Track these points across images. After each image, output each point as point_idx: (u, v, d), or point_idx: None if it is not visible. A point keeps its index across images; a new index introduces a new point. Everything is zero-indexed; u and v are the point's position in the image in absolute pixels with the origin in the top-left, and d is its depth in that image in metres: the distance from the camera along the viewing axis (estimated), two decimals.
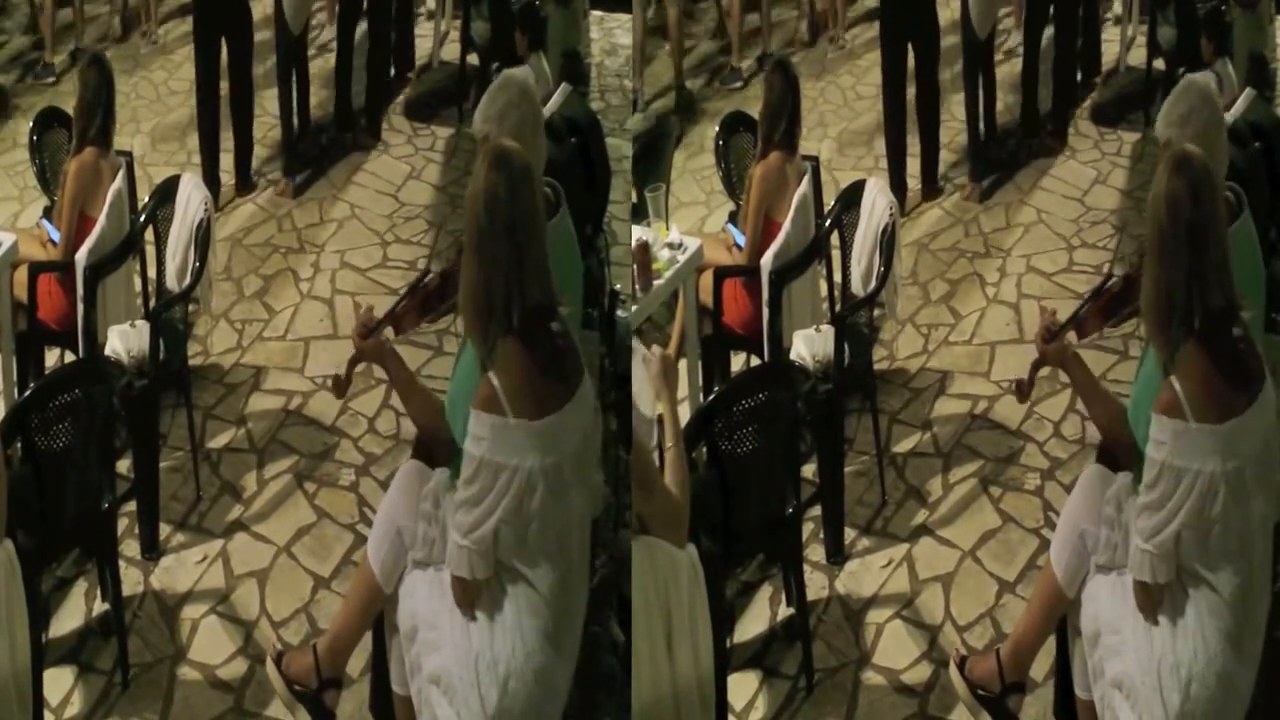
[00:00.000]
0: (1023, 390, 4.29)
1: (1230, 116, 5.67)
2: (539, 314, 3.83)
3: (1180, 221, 3.73)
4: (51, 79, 7.26)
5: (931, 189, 6.62)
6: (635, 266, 5.19)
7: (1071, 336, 4.20)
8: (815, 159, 5.78)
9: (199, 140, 6.63)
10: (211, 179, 6.52)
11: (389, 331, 4.18)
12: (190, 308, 5.55)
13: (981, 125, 6.71)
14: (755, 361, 5.41)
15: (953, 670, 4.20)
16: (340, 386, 4.23)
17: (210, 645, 4.68)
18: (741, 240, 5.50)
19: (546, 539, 3.86)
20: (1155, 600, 3.84)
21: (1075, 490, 4.08)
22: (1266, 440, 3.83)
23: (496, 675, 3.86)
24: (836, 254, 5.58)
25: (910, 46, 6.57)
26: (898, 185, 6.53)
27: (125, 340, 5.12)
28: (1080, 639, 4.01)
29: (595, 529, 4.28)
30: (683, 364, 5.43)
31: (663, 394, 4.18)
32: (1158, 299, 3.78)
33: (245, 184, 6.66)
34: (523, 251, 3.79)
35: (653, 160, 5.86)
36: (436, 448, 4.06)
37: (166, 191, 5.48)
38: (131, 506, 4.99)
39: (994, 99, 6.76)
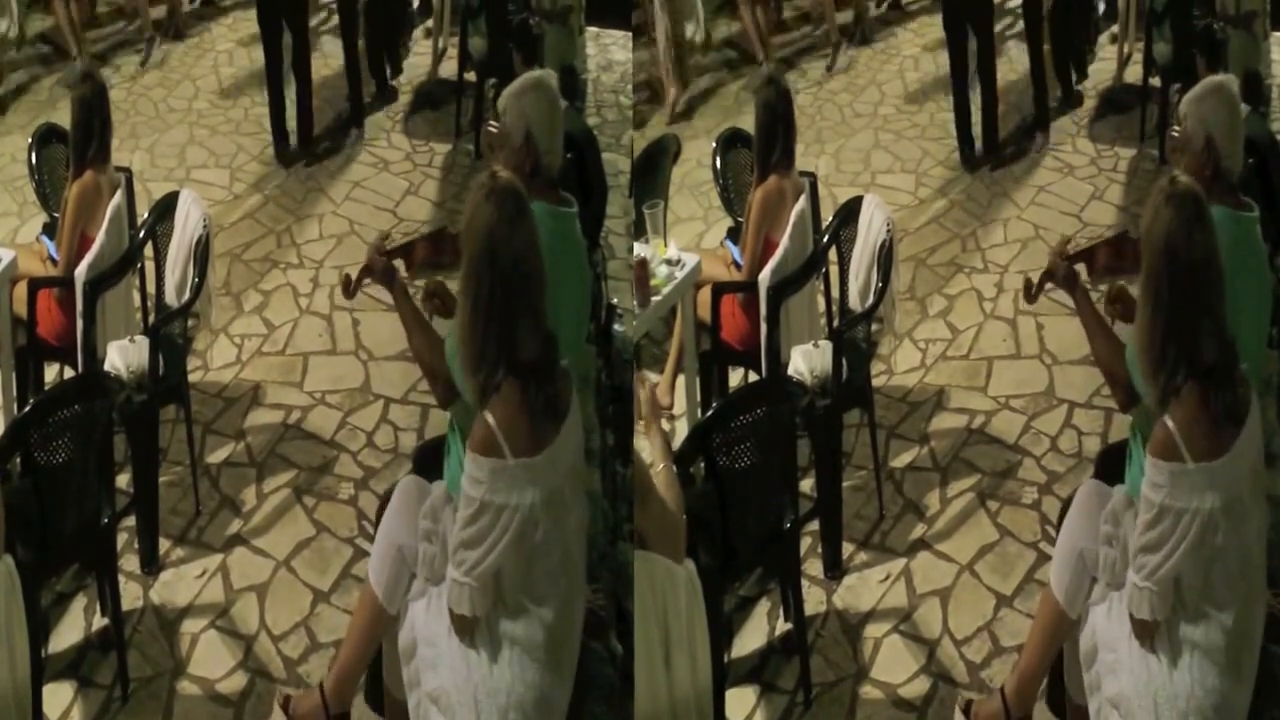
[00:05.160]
0: (1029, 292, 4.23)
1: None
2: (538, 358, 3.74)
3: (1179, 262, 3.60)
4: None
5: (992, 150, 7.03)
6: (634, 282, 5.20)
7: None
8: (813, 175, 5.79)
9: (269, 108, 7.04)
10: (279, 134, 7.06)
11: (401, 265, 4.15)
12: (189, 323, 5.56)
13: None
14: (753, 377, 5.42)
15: (958, 717, 4.18)
16: (349, 289, 4.20)
17: (210, 659, 4.67)
18: (740, 257, 5.51)
19: (550, 568, 3.82)
20: (1152, 632, 3.79)
21: (1071, 510, 4.05)
22: (1257, 456, 3.76)
23: (497, 704, 3.83)
24: (834, 269, 5.59)
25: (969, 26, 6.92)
26: (967, 147, 7.00)
27: (124, 355, 5.12)
28: (1076, 650, 4.00)
29: (593, 541, 4.28)
30: (681, 379, 5.45)
31: (645, 420, 4.18)
32: (1150, 349, 3.65)
33: (306, 144, 7.10)
34: (521, 297, 3.70)
35: (651, 177, 5.86)
36: (436, 389, 4.04)
37: (166, 207, 5.48)
38: (131, 521, 5.00)
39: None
